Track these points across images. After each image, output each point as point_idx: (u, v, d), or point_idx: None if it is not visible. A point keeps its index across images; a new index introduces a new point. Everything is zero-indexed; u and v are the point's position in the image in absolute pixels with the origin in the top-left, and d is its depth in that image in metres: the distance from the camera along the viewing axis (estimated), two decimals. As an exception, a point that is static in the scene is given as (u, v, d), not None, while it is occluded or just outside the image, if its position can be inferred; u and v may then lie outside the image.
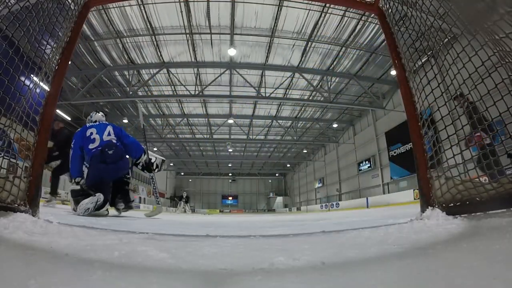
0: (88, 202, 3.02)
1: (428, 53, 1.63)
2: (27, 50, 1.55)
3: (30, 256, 0.78)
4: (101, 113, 4.07)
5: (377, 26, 10.82)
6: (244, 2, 10.26)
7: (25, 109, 1.50)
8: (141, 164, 4.10)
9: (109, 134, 3.63)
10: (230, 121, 19.88)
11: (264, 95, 14.72)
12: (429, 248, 0.86)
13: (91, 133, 3.57)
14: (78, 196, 3.21)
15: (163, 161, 4.41)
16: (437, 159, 1.56)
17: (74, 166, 3.55)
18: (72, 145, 3.58)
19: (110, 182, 3.57)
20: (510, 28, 1.09)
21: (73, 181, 3.51)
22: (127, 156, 3.89)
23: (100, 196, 3.10)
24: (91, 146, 3.48)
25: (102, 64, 13.67)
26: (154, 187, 4.99)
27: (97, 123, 3.81)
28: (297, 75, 14.24)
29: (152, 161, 4.26)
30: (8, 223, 1.15)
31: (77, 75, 14.01)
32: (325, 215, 6.45)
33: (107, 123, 3.87)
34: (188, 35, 11.80)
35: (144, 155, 4.10)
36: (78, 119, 19.15)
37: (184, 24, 11.16)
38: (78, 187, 3.35)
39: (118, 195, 3.84)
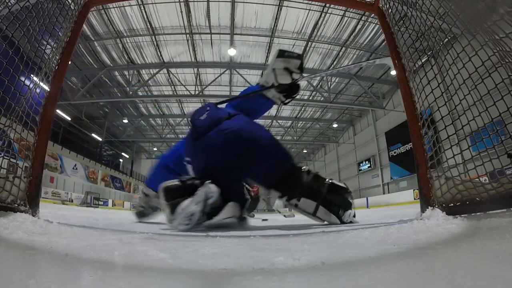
0: (189, 204, 1.75)
1: (428, 53, 1.63)
2: (27, 50, 1.55)
3: (30, 256, 0.78)
4: None
5: (377, 26, 10.82)
6: (244, 2, 10.26)
7: (25, 109, 1.50)
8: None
9: (210, 113, 2.26)
10: (230, 121, 19.87)
11: (264, 95, 14.71)
12: (429, 248, 0.86)
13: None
14: (179, 197, 1.84)
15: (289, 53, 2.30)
16: (437, 159, 1.56)
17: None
18: None
19: (229, 163, 2.04)
20: (510, 28, 1.09)
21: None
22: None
23: (207, 187, 1.79)
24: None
25: (102, 64, 13.68)
26: None
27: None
28: (297, 75, 14.23)
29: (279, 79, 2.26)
30: (8, 223, 1.15)
31: (77, 75, 14.03)
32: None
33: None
34: (188, 35, 11.81)
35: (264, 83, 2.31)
36: (78, 119, 19.18)
37: (184, 24, 11.17)
38: (175, 182, 1.97)
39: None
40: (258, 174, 2.17)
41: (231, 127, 2.01)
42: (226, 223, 1.98)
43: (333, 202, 2.12)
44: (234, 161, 2.01)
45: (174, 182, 1.97)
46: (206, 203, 1.76)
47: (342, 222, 2.09)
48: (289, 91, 2.28)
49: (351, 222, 2.12)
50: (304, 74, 2.30)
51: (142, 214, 2.99)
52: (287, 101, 2.35)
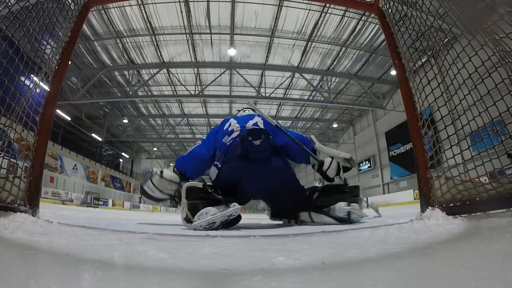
0: (217, 213, 1.86)
1: (428, 53, 1.63)
2: (27, 50, 1.55)
3: (30, 256, 0.78)
4: (247, 112, 2.91)
5: (377, 26, 10.82)
6: (244, 2, 10.27)
7: (25, 109, 1.50)
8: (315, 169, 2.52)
9: (255, 124, 2.48)
10: (230, 121, 19.87)
11: (264, 95, 14.73)
12: (429, 248, 0.86)
13: (230, 124, 2.51)
14: (199, 200, 2.00)
15: (345, 160, 2.45)
16: (437, 159, 1.56)
17: (189, 164, 2.49)
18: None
19: (255, 190, 2.32)
20: (510, 28, 1.09)
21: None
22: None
23: (236, 208, 1.94)
24: (226, 139, 2.40)
25: (102, 64, 13.68)
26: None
27: (241, 116, 2.73)
28: (297, 75, 14.25)
29: (325, 167, 2.41)
30: (8, 223, 1.15)
31: (77, 75, 14.03)
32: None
33: (256, 114, 2.70)
34: (188, 35, 11.81)
35: (311, 158, 2.49)
36: (78, 119, 19.19)
37: (184, 24, 11.17)
38: (199, 184, 2.13)
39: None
40: (275, 204, 2.52)
41: (278, 166, 2.25)
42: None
43: (323, 204, 2.20)
44: (264, 192, 2.36)
45: (198, 185, 2.13)
46: (228, 218, 1.94)
47: (341, 219, 2.08)
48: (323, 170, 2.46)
49: (349, 214, 2.06)
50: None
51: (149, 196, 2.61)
52: (316, 170, 2.54)
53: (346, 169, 2.44)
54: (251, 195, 2.40)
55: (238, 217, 2.09)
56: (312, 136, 2.63)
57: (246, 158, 2.12)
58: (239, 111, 3.01)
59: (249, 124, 2.47)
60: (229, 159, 2.23)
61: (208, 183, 2.22)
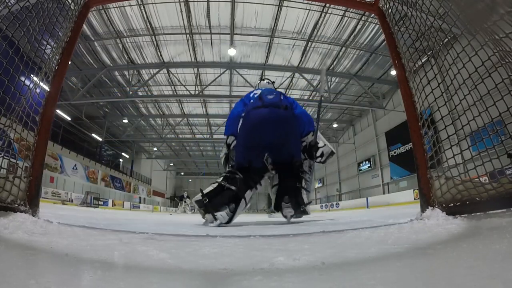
0: (227, 214, 2.53)
1: (428, 53, 1.63)
2: (27, 50, 1.55)
3: (30, 256, 0.78)
4: (266, 81, 3.60)
5: (377, 26, 10.82)
6: (244, 2, 10.26)
7: (25, 109, 1.50)
8: (304, 144, 3.12)
9: (276, 98, 3.04)
10: (230, 121, 19.86)
11: (264, 95, 14.69)
12: (429, 248, 0.86)
13: (255, 94, 3.12)
14: (211, 199, 2.62)
15: (332, 153, 3.20)
16: (437, 159, 1.56)
17: (229, 124, 3.03)
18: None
19: (267, 142, 2.76)
20: (510, 28, 1.09)
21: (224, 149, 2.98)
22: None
23: (222, 216, 2.51)
24: (250, 101, 3.02)
25: (102, 64, 13.67)
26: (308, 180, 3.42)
27: (265, 88, 3.34)
28: (297, 75, 14.24)
29: (319, 145, 3.13)
30: (8, 223, 1.15)
31: (77, 75, 14.02)
32: (324, 215, 6.45)
33: (276, 90, 3.28)
34: (188, 35, 11.80)
35: (312, 135, 3.12)
36: (78, 119, 19.18)
37: (184, 24, 11.17)
38: (215, 186, 2.73)
39: (286, 196, 2.86)
40: (277, 154, 2.84)
41: (287, 115, 2.90)
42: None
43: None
44: (269, 133, 2.76)
45: (214, 187, 2.71)
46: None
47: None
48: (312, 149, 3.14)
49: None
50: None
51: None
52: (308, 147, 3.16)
53: (328, 158, 3.17)
54: (264, 142, 2.77)
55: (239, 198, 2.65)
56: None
57: (262, 105, 2.86)
58: (260, 81, 3.70)
59: (271, 96, 3.03)
60: (251, 109, 2.90)
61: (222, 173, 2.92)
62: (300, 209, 2.84)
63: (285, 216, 2.93)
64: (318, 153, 3.09)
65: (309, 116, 3.21)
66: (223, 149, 3.07)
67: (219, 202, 2.60)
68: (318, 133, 3.17)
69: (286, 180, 2.90)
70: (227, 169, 2.95)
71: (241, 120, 2.93)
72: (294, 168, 2.90)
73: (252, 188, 2.78)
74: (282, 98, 3.02)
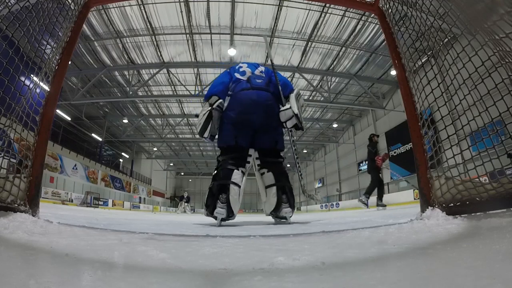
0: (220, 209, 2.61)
1: (428, 53, 1.63)
2: (27, 50, 1.55)
3: (30, 256, 0.78)
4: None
5: (377, 26, 10.82)
6: (244, 2, 10.26)
7: (25, 109, 1.50)
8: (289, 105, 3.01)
9: (261, 72, 3.17)
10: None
11: (264, 95, 14.70)
12: (429, 248, 0.86)
13: (241, 67, 3.21)
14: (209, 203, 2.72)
15: (296, 116, 3.02)
16: (437, 159, 1.56)
17: (212, 87, 3.09)
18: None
19: (255, 123, 2.85)
20: (510, 28, 1.09)
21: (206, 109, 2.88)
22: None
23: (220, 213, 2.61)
24: (238, 75, 3.09)
25: (102, 64, 13.67)
26: (300, 172, 3.53)
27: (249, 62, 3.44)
28: (297, 75, 14.25)
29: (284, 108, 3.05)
30: (8, 223, 1.15)
31: (77, 75, 14.02)
32: (325, 215, 6.45)
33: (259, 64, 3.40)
34: (188, 35, 11.81)
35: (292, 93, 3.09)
36: (78, 119, 19.18)
37: (184, 24, 11.17)
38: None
39: (283, 195, 2.87)
40: (265, 135, 2.96)
41: (270, 99, 2.99)
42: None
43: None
44: (257, 114, 2.85)
45: (207, 195, 2.76)
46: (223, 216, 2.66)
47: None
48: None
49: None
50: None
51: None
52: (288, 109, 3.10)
53: (297, 127, 3.08)
54: (252, 122, 2.86)
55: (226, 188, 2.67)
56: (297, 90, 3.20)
57: (250, 87, 2.93)
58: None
59: (257, 71, 3.17)
60: (239, 90, 2.95)
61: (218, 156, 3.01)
62: (293, 208, 2.97)
63: (283, 217, 2.92)
64: (283, 119, 3.00)
65: (287, 80, 3.34)
66: (204, 107, 2.93)
67: (212, 202, 2.66)
68: (291, 98, 3.07)
69: (281, 179, 2.95)
70: (204, 137, 2.91)
71: (227, 99, 3.01)
72: (277, 153, 3.07)
73: (239, 167, 2.78)
74: (269, 83, 3.08)
